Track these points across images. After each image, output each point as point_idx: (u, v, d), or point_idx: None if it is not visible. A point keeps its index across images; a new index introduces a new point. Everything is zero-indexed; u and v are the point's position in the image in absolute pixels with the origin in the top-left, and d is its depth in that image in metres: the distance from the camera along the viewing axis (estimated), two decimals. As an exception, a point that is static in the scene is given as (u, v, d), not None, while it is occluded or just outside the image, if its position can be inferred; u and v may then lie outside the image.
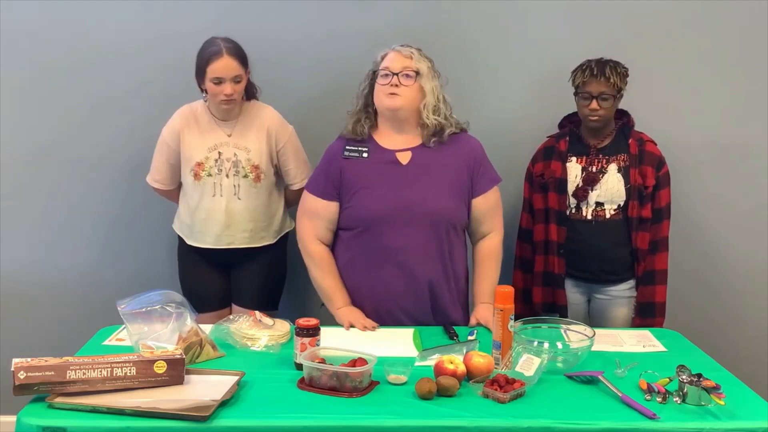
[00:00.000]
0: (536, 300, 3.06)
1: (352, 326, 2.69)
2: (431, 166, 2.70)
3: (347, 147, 2.74)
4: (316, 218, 2.76)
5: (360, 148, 2.73)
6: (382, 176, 2.69)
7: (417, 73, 2.66)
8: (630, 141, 2.95)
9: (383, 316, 2.72)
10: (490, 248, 2.81)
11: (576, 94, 2.92)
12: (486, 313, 2.69)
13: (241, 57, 2.86)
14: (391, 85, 2.64)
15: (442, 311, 2.76)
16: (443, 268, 2.72)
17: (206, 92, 2.93)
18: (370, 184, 2.69)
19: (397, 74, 2.64)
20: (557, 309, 3.01)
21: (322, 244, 2.77)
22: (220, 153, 2.95)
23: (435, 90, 2.69)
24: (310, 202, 2.77)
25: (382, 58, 2.72)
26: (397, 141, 2.74)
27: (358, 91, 2.78)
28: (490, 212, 2.79)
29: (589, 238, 2.95)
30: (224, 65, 2.82)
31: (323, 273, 2.76)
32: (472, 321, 2.75)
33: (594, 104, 2.85)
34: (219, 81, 2.83)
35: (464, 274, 2.84)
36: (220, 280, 3.11)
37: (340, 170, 2.72)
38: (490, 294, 2.70)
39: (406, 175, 2.69)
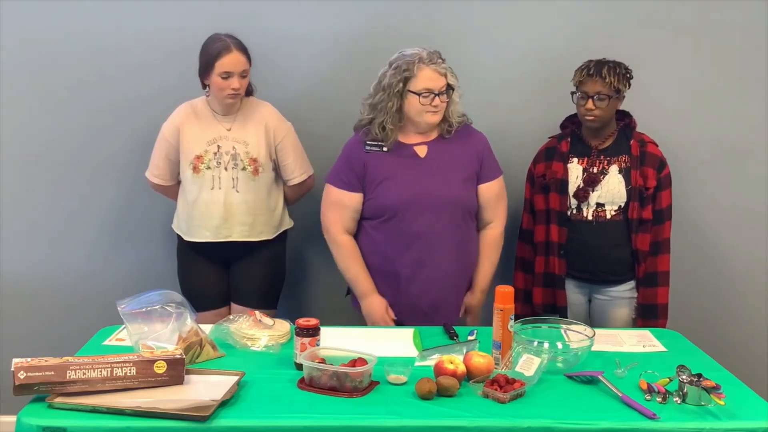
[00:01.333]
0: (536, 301, 3.06)
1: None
2: (446, 157, 2.86)
3: (368, 142, 2.86)
4: (342, 209, 2.87)
5: (379, 142, 2.85)
6: (404, 168, 2.83)
7: (453, 89, 2.80)
8: (632, 142, 2.94)
9: (404, 301, 2.86)
10: (490, 237, 2.95)
11: (574, 93, 2.92)
12: (471, 300, 2.96)
13: (246, 52, 2.91)
14: (434, 105, 2.77)
15: (458, 292, 2.92)
16: (461, 250, 2.88)
17: (208, 87, 2.95)
18: (393, 175, 2.83)
19: (438, 94, 2.76)
20: (557, 310, 3.01)
21: (348, 234, 2.90)
22: (219, 146, 2.97)
23: (458, 94, 2.84)
24: (335, 194, 2.88)
25: (417, 74, 2.74)
26: (414, 137, 2.88)
27: (383, 104, 2.78)
28: (493, 200, 2.92)
29: (590, 239, 2.95)
30: (234, 60, 2.86)
31: (350, 260, 2.89)
32: (461, 310, 2.97)
33: (590, 104, 2.85)
34: (228, 75, 2.86)
35: (476, 258, 2.97)
36: (218, 277, 3.12)
37: (363, 163, 2.84)
38: (486, 281, 2.96)
39: (424, 167, 2.84)
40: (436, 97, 2.75)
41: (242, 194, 2.99)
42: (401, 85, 2.75)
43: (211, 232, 3.01)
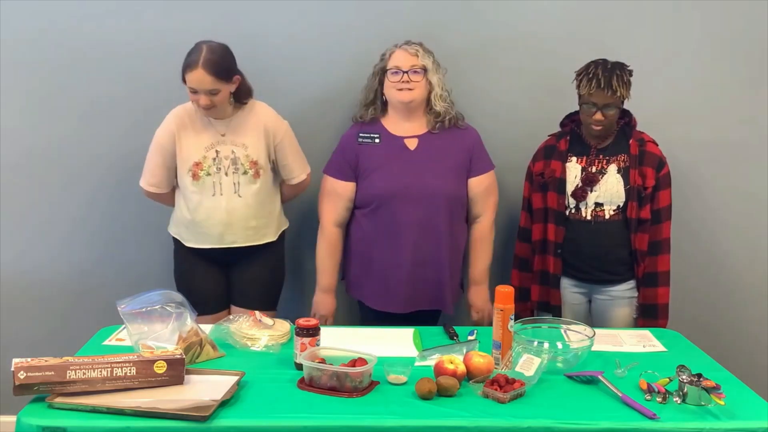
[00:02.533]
0: (534, 299, 3.07)
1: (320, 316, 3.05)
2: (435, 150, 2.96)
3: (361, 134, 3.00)
4: (336, 198, 3.01)
5: (372, 135, 2.99)
6: (393, 160, 2.95)
7: (424, 69, 2.92)
8: (630, 141, 2.93)
9: (389, 289, 2.96)
10: (480, 231, 3.05)
11: (581, 101, 2.88)
12: (476, 298, 3.07)
13: (219, 71, 2.78)
14: (402, 82, 2.91)
15: (442, 281, 2.97)
16: (447, 241, 2.95)
17: None
18: (382, 166, 2.95)
19: (406, 72, 2.90)
20: (550, 309, 3.02)
21: (337, 227, 3.04)
22: (217, 151, 2.93)
23: (440, 81, 2.95)
24: (330, 184, 3.02)
25: (390, 56, 2.96)
26: (405, 128, 2.99)
27: (368, 84, 3.02)
28: (483, 194, 3.02)
29: (588, 239, 2.94)
30: (198, 78, 2.76)
31: (328, 253, 3.05)
32: (473, 314, 3.08)
33: (599, 115, 2.83)
34: (194, 91, 2.81)
35: (464, 250, 3.08)
36: (218, 282, 3.09)
37: (356, 154, 2.98)
38: (482, 274, 3.07)
39: (413, 159, 2.95)
40: (405, 74, 2.89)
41: (244, 198, 2.95)
42: (378, 68, 2.97)
43: (215, 239, 2.98)
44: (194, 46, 2.83)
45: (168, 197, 3.07)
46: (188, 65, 2.79)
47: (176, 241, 3.08)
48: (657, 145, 2.96)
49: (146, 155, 3.04)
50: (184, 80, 2.82)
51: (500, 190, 3.10)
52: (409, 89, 2.90)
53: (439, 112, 2.95)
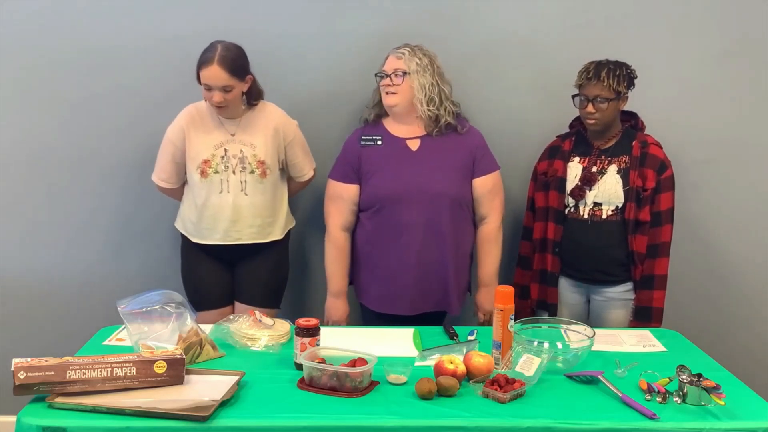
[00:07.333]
0: (533, 297, 3.09)
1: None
2: (438, 151, 2.95)
3: (363, 136, 3.01)
4: (341, 202, 3.00)
5: (374, 137, 2.99)
6: (394, 161, 2.95)
7: (405, 72, 2.89)
8: (633, 143, 2.93)
9: (393, 291, 2.95)
10: (487, 233, 3.03)
11: (575, 96, 2.91)
12: (483, 301, 3.05)
13: (233, 68, 2.84)
14: (386, 85, 2.92)
15: (446, 283, 2.96)
16: (450, 241, 2.93)
17: None
18: (384, 167, 2.95)
19: (389, 75, 2.91)
20: (548, 307, 3.03)
21: (344, 232, 3.03)
22: (226, 150, 2.96)
23: (425, 85, 2.90)
24: (334, 187, 3.03)
25: (384, 60, 2.97)
26: (405, 130, 2.99)
27: (375, 87, 3.03)
28: (488, 195, 3.00)
29: (584, 238, 2.94)
30: (213, 75, 2.82)
31: (335, 257, 3.04)
32: (480, 316, 3.06)
33: (590, 107, 2.85)
34: (208, 88, 2.85)
35: (470, 251, 3.06)
36: (223, 277, 3.11)
37: (358, 156, 2.99)
38: (490, 276, 3.04)
39: (415, 160, 2.94)
40: (388, 78, 2.90)
41: (251, 197, 2.98)
42: (378, 71, 2.98)
43: (220, 235, 3.01)
44: (209, 45, 2.89)
45: (179, 192, 3.11)
46: (204, 62, 2.84)
47: (183, 236, 3.11)
48: (661, 148, 2.96)
49: (151, 154, 3.09)
50: (198, 78, 2.86)
51: (506, 191, 3.08)
52: (393, 93, 2.90)
53: (423, 118, 2.92)
